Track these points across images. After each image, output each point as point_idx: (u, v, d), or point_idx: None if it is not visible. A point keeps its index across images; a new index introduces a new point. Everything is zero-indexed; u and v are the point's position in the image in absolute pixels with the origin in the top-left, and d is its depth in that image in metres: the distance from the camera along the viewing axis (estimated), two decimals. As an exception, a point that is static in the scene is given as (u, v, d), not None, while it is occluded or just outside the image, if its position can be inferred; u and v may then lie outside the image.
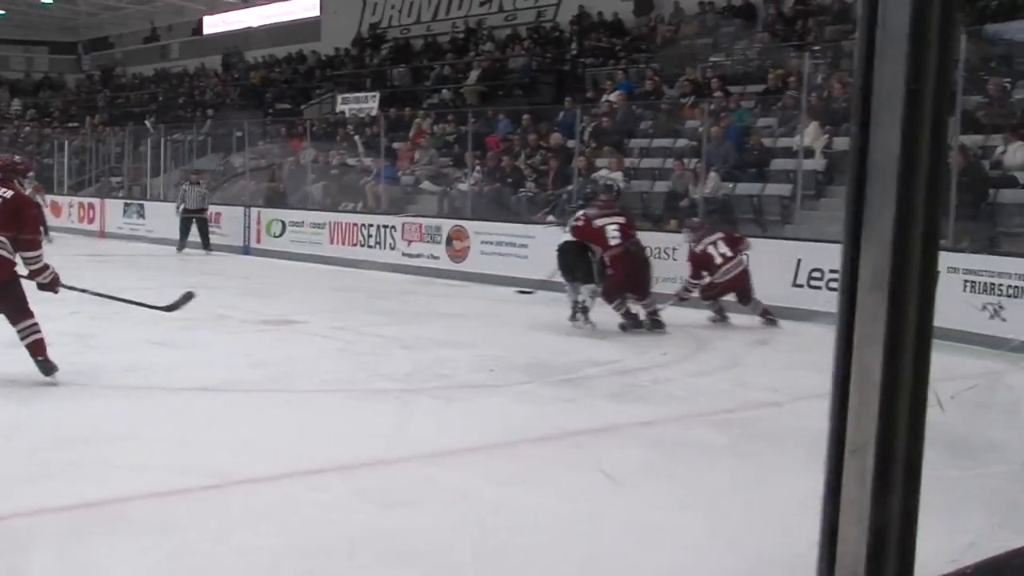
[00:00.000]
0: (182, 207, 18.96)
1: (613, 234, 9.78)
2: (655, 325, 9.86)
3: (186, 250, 18.62)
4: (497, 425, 5.88)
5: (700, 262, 10.59)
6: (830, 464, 1.15)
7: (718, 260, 10.47)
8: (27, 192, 7.53)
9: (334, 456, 4.97)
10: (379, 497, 4.38)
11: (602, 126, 16.47)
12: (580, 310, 9.89)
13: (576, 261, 10.06)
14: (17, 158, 7.43)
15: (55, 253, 10.03)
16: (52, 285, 6.69)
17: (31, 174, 11.18)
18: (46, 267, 6.64)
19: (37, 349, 6.43)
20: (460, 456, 5.20)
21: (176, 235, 18.91)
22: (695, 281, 10.61)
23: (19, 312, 6.42)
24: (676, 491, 4.67)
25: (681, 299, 10.74)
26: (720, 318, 10.71)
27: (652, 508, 4.39)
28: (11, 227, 6.40)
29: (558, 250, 10.21)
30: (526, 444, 5.52)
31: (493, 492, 4.54)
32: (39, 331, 6.46)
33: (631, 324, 9.81)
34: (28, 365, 6.51)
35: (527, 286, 12.13)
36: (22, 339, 6.44)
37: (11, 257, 6.42)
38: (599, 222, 9.86)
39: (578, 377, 7.52)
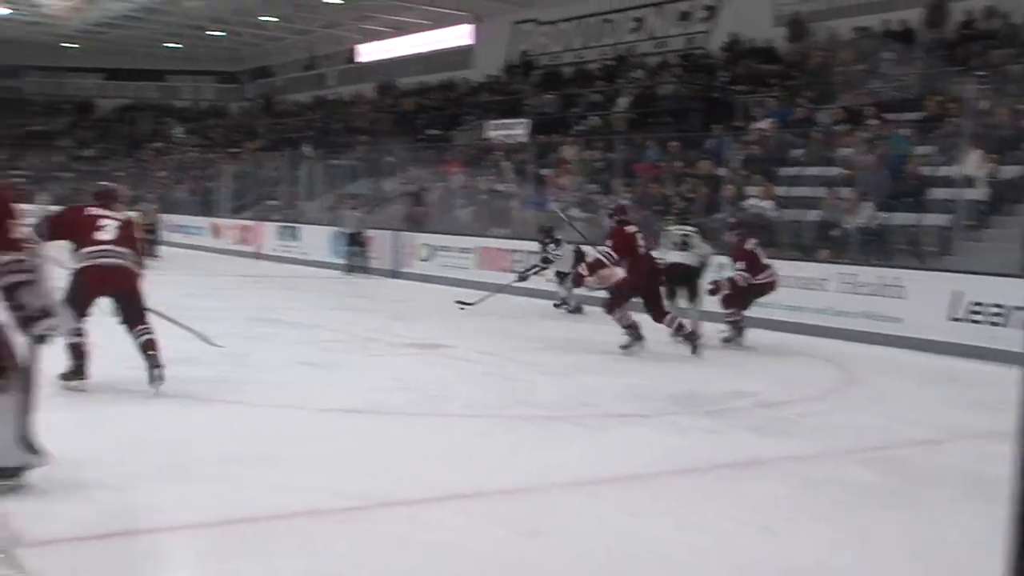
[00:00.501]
0: (344, 231, 19.71)
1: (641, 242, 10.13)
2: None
3: (336, 272, 19.24)
4: (641, 455, 5.82)
5: (747, 260, 10.71)
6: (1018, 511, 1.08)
7: (764, 260, 10.79)
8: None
9: (477, 482, 5.00)
10: (519, 525, 4.37)
11: (752, 154, 16.24)
12: (682, 331, 9.95)
13: (683, 282, 10.56)
14: (113, 185, 7.95)
15: (220, 272, 10.43)
16: None
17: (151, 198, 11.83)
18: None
19: (150, 345, 6.92)
20: (602, 486, 5.16)
21: (333, 258, 19.60)
22: (745, 273, 10.65)
23: (140, 318, 6.99)
24: (826, 530, 4.51)
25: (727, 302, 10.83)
26: (736, 335, 10.72)
27: (801, 548, 4.26)
28: (131, 244, 7.12)
29: (666, 271, 10.42)
30: (670, 476, 5.45)
31: (634, 523, 4.48)
32: (153, 332, 6.99)
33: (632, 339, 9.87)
34: (178, 385, 6.81)
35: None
36: (136, 338, 6.93)
37: (136, 269, 7.08)
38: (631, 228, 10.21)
39: (723, 409, 7.39)
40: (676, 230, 10.92)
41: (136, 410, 6.43)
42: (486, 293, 13.19)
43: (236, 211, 27.91)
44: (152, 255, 17.82)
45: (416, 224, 20.59)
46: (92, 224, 7.01)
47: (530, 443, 6.05)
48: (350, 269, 19.69)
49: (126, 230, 7.17)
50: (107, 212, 7.16)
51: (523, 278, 14.21)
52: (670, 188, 16.48)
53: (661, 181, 16.88)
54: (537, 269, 14.30)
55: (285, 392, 7.31)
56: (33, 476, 4.43)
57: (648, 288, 10.02)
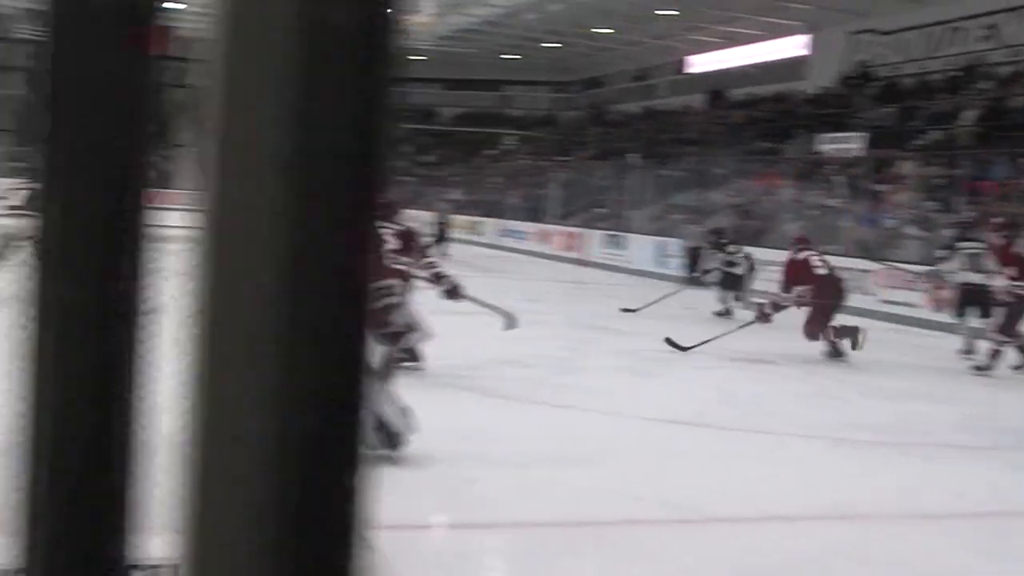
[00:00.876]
0: (688, 243, 19.81)
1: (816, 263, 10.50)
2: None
3: (663, 282, 19.36)
4: (978, 492, 5.51)
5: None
6: None
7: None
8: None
9: (805, 503, 4.95)
10: (850, 552, 4.29)
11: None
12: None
13: (975, 301, 10.37)
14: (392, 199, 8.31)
15: (545, 277, 10.80)
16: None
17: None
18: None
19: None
20: (933, 521, 4.95)
21: (659, 268, 19.75)
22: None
23: None
24: None
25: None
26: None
27: None
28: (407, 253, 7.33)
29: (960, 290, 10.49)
30: (1013, 518, 5.13)
31: (966, 563, 4.28)
32: None
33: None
34: (502, 385, 7.11)
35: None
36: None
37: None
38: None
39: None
40: (968, 247, 10.70)
41: (462, 407, 6.83)
42: (657, 297, 13.12)
43: (563, 218, 28.72)
44: (443, 254, 19.00)
45: (744, 237, 20.35)
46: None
47: (858, 467, 5.88)
48: (693, 281, 19.44)
49: (404, 239, 7.42)
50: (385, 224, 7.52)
51: (698, 281, 14.17)
52: (1019, 206, 15.36)
53: (1009, 199, 15.77)
54: (718, 272, 14.10)
55: (607, 398, 7.47)
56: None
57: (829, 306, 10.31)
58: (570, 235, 26.38)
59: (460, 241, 30.04)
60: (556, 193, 29.86)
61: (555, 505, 4.62)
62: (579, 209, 28.95)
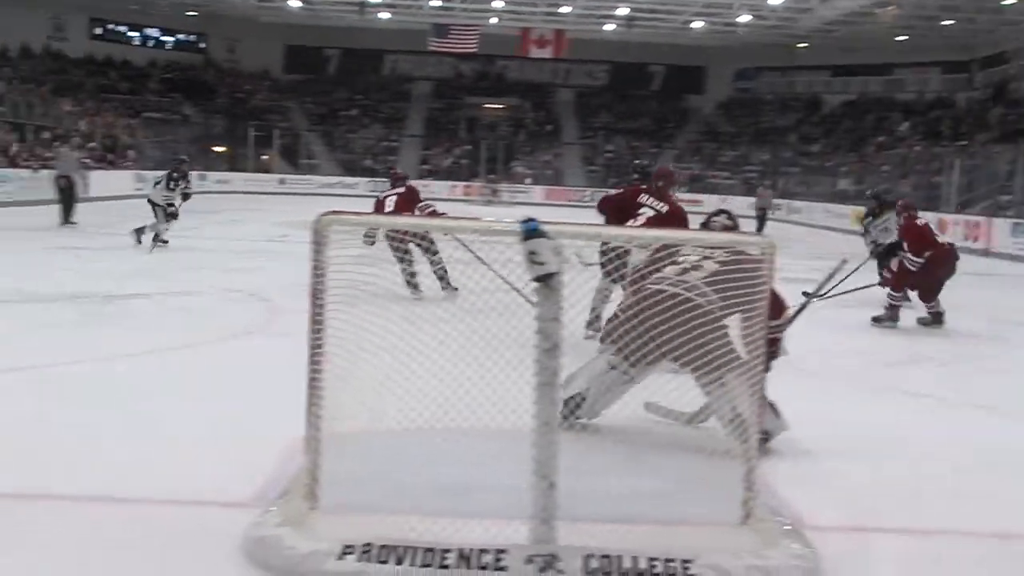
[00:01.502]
0: None
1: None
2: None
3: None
4: None
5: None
6: None
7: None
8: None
9: None
10: None
11: None
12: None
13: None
14: (670, 168, 7.87)
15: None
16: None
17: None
18: None
19: None
20: None
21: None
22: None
23: None
24: None
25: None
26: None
27: None
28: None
29: None
30: None
31: None
32: None
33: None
34: (897, 382, 6.93)
35: None
36: None
37: None
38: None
39: None
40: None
41: (871, 405, 6.78)
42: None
43: (963, 206, 27.08)
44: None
45: None
46: (634, 209, 7.21)
47: None
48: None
49: (663, 221, 7.05)
50: (652, 199, 7.33)
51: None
52: None
53: None
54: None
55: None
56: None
57: (940, 279, 10.05)
58: (971, 224, 24.81)
59: (851, 232, 29.18)
60: (954, 180, 28.19)
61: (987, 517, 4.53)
62: (981, 197, 27.15)
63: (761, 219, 27.96)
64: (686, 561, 3.45)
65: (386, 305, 3.91)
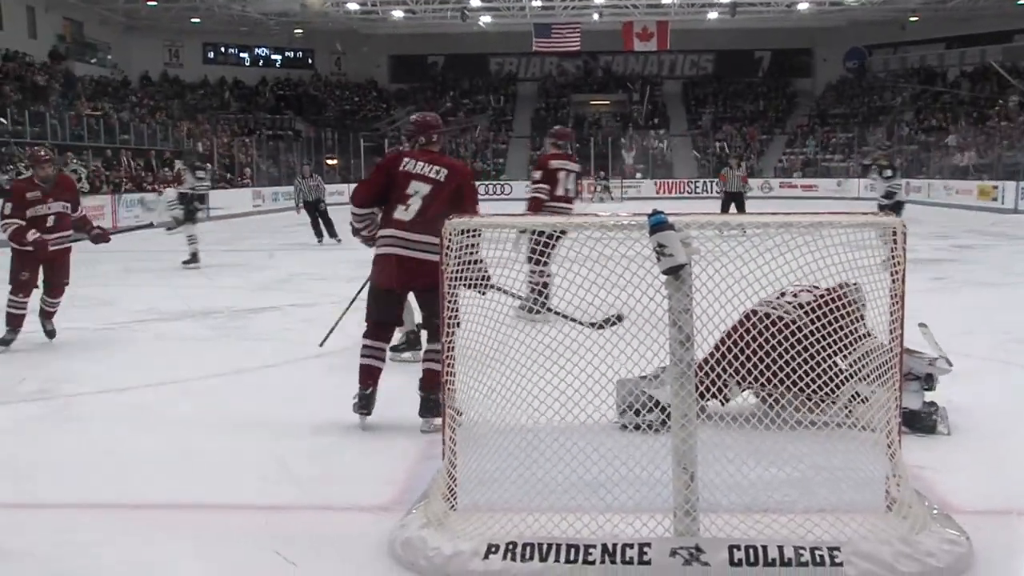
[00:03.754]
0: None
1: None
2: None
3: None
4: None
5: None
6: None
7: None
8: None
9: None
10: None
11: None
12: None
13: None
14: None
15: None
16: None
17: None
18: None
19: (427, 381, 5.44)
20: None
21: None
22: None
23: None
24: None
25: None
26: None
27: None
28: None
29: None
30: None
31: None
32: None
33: None
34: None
35: None
36: (424, 360, 5.59)
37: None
38: None
39: None
40: None
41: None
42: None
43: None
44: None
45: None
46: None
47: None
48: None
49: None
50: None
51: None
52: None
53: None
54: None
55: None
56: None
57: None
58: None
59: (976, 208, 28.23)
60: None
61: None
62: None
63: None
64: (833, 549, 3.39)
65: (516, 303, 3.94)
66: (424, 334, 5.82)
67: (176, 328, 9.44)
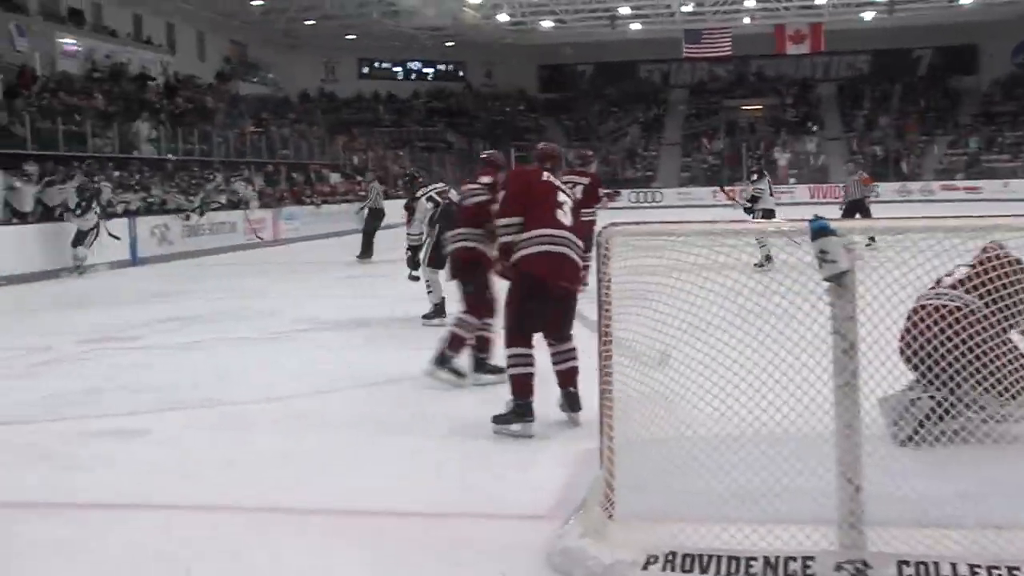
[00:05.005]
0: None
1: None
2: None
3: None
4: None
5: None
6: None
7: None
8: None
9: None
10: None
11: None
12: None
13: None
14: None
15: None
16: None
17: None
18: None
19: (572, 377, 5.70)
20: None
21: None
22: None
23: (569, 330, 5.83)
24: None
25: None
26: None
27: None
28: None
29: None
30: None
31: None
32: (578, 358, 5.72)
33: None
34: None
35: None
36: (559, 362, 5.74)
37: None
38: None
39: None
40: None
41: None
42: None
43: None
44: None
45: None
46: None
47: None
48: None
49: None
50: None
51: None
52: None
53: None
54: None
55: None
56: None
57: None
58: None
59: None
60: None
61: None
62: None
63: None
64: (1013, 568, 3.23)
65: (671, 312, 3.92)
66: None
67: (335, 337, 9.71)
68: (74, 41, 30.14)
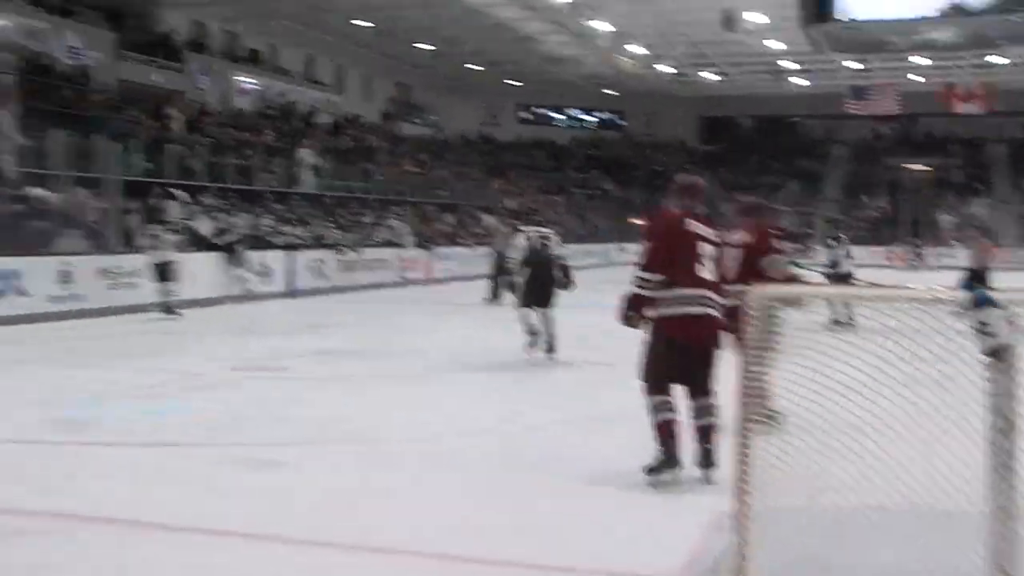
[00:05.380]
0: None
1: None
2: None
3: None
4: None
5: None
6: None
7: None
8: None
9: None
10: None
11: None
12: None
13: None
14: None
15: None
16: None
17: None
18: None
19: (709, 434, 5.53)
20: None
21: None
22: None
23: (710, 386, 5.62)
24: None
25: None
26: None
27: None
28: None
29: None
30: None
31: None
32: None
33: None
34: None
35: None
36: (697, 417, 5.56)
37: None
38: None
39: None
40: None
41: None
42: None
43: None
44: None
45: None
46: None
47: None
48: None
49: None
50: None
51: None
52: None
53: None
54: None
55: None
56: None
57: None
58: None
59: None
60: None
61: None
62: None
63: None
64: None
65: (819, 374, 3.76)
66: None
67: (481, 378, 9.76)
68: (250, 80, 31.63)
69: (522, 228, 11.70)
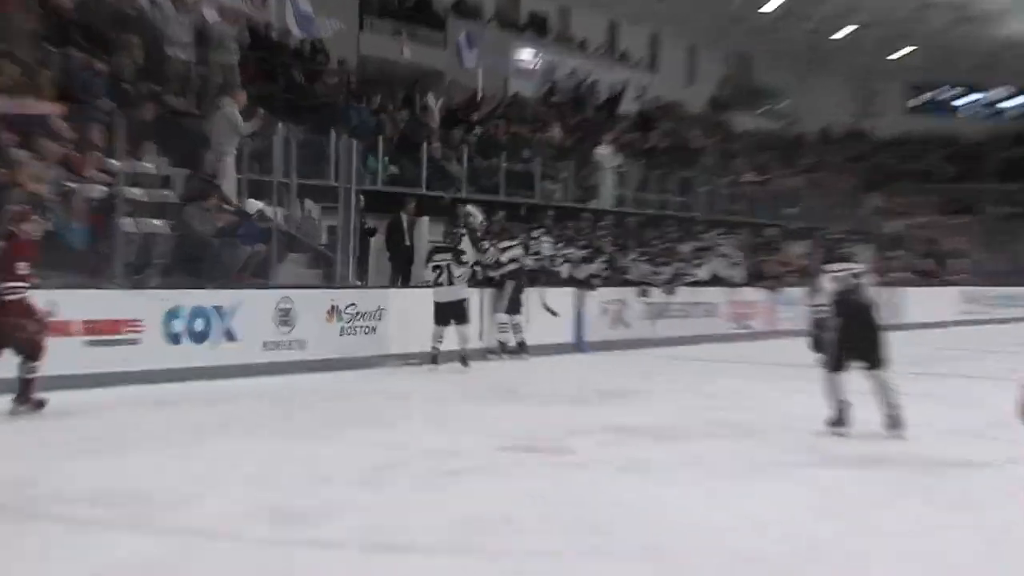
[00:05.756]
0: None
1: None
2: None
3: None
4: None
5: None
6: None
7: None
8: None
9: None
10: None
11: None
12: None
13: None
14: None
15: None
16: None
17: None
18: None
19: None
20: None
21: None
22: None
23: None
24: None
25: None
26: None
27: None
28: None
29: None
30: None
31: None
32: None
33: None
34: None
35: None
36: None
37: None
38: None
39: None
40: None
41: None
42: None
43: None
44: None
45: None
46: None
47: None
48: None
49: None
50: None
51: None
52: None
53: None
54: None
55: None
56: None
57: None
58: None
59: None
60: None
61: None
62: None
63: None
64: None
65: None
66: None
67: (837, 475, 9.46)
68: (532, 54, 32.19)
69: (826, 266, 11.35)
